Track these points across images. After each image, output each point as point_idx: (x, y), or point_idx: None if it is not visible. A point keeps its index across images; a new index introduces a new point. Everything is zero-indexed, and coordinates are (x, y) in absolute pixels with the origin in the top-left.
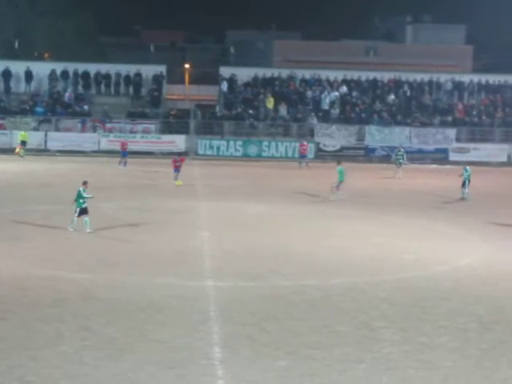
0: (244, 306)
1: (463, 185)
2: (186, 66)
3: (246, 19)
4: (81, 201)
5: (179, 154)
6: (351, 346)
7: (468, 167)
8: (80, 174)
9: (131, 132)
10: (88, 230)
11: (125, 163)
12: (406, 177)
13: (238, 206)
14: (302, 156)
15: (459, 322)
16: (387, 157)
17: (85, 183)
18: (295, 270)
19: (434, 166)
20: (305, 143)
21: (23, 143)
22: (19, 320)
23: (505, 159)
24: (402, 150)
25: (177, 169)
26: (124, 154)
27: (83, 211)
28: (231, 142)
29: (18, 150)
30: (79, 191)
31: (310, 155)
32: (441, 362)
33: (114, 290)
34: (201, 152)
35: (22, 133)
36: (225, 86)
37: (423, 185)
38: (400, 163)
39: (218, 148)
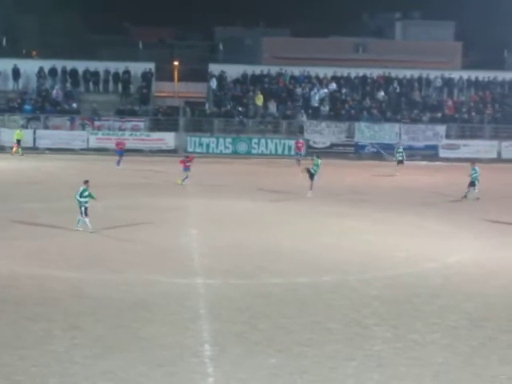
0: (234, 304)
1: (471, 184)
2: (175, 63)
3: (234, 16)
4: (82, 200)
5: (187, 155)
6: (342, 343)
7: (477, 167)
8: (69, 172)
9: (120, 130)
10: (77, 228)
11: (118, 162)
12: (391, 173)
13: (228, 204)
14: (297, 153)
15: (450, 319)
16: (377, 153)
17: (86, 182)
18: (286, 268)
19: (424, 162)
20: (301, 140)
21: (19, 142)
22: (7, 319)
23: (495, 155)
24: (401, 147)
25: (187, 168)
26: (119, 152)
27: (84, 212)
28: (220, 140)
29: (15, 149)
30: (79, 191)
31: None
32: (432, 359)
33: (104, 288)
34: (190, 149)
35: (18, 131)
36: (214, 83)
37: (413, 181)
38: (400, 161)
39: (208, 145)
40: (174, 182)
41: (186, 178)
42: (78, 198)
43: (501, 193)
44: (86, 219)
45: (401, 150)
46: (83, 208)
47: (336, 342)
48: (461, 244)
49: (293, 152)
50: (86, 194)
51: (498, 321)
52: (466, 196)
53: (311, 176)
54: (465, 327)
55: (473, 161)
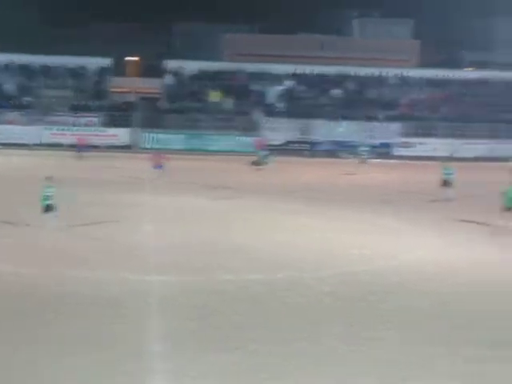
0: (189, 301)
1: (444, 184)
2: (132, 58)
3: (196, 12)
4: (46, 196)
5: (158, 153)
6: (296, 340)
7: (449, 166)
8: (23, 167)
9: (74, 125)
10: (46, 224)
11: (80, 158)
12: (353, 171)
13: (184, 201)
14: (258, 151)
15: (404, 317)
16: (333, 151)
17: (48, 178)
18: (240, 265)
19: (380, 160)
20: (260, 138)
21: None
22: None
23: (450, 154)
24: (365, 145)
25: (159, 166)
26: (80, 149)
27: (48, 208)
28: (176, 136)
29: None
30: (43, 187)
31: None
32: (384, 356)
33: (60, 285)
34: (146, 145)
35: None
36: (171, 79)
37: (370, 179)
38: (364, 159)
39: (164, 141)
40: (130, 177)
41: (159, 176)
42: (43, 195)
43: (461, 191)
44: (49, 215)
45: (364, 148)
46: (47, 204)
47: (290, 340)
48: (419, 242)
49: (250, 149)
50: (49, 190)
51: (450, 319)
52: (447, 199)
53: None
54: (418, 325)
55: (444, 159)
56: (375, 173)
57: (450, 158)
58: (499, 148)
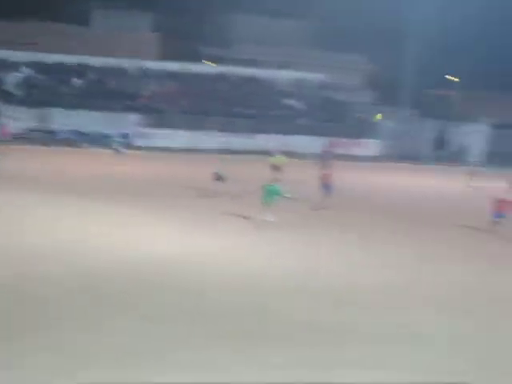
0: None
1: (217, 178)
2: None
3: None
4: None
5: None
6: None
7: (225, 159)
8: None
9: None
10: None
11: None
12: (94, 163)
13: None
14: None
15: (147, 309)
16: (72, 140)
17: None
18: None
19: (124, 150)
20: (5, 126)
21: None
22: None
23: (191, 145)
24: (119, 136)
25: None
26: None
27: None
28: None
29: None
30: None
31: None
32: (121, 346)
33: None
34: None
35: None
36: None
37: (108, 170)
38: (118, 150)
39: None
40: None
41: None
42: None
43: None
44: None
45: (117, 139)
46: None
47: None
48: (166, 234)
49: None
50: None
51: (186, 314)
52: (217, 192)
53: None
54: (160, 317)
55: (221, 153)
56: (112, 165)
57: (188, 150)
58: (234, 141)
